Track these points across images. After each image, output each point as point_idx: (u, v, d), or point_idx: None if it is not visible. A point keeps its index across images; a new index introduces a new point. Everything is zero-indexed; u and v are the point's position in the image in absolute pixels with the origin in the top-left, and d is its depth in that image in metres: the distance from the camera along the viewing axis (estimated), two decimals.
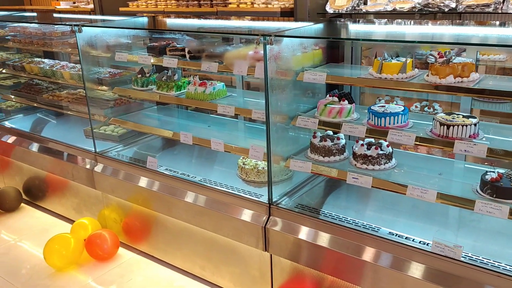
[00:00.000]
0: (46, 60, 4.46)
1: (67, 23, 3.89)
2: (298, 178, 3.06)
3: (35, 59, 4.52)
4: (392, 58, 2.55)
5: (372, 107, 2.60)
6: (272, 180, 2.81)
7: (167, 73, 3.53)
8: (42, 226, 4.23)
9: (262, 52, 2.77)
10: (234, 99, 3.29)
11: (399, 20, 3.50)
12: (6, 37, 4.57)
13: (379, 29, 3.14)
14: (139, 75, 3.62)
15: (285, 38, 2.62)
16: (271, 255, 2.85)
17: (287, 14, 4.44)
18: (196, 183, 3.16)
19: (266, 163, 3.12)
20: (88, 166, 3.76)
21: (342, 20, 3.72)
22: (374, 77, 2.51)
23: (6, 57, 4.91)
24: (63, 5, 6.82)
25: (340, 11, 3.90)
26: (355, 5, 3.81)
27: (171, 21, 4.00)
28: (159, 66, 3.71)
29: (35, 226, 4.25)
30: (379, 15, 3.69)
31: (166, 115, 4.05)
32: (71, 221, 4.20)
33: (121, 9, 6.04)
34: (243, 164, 3.24)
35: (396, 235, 2.43)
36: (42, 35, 4.25)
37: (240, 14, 5.03)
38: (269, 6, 4.75)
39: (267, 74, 2.58)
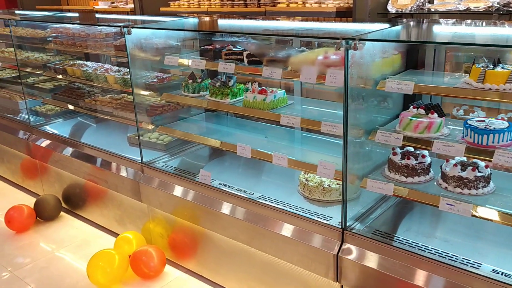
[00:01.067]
0: (88, 63, 4.26)
1: (116, 24, 3.65)
2: (367, 198, 2.73)
3: (77, 62, 4.33)
4: (494, 66, 2.19)
5: (469, 122, 2.24)
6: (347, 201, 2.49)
7: (221, 78, 3.25)
8: (83, 237, 4.02)
9: (334, 57, 2.46)
10: (297, 109, 2.98)
11: (469, 21, 3.13)
12: (48, 39, 4.39)
13: (463, 31, 2.78)
14: (190, 80, 3.36)
15: (367, 42, 2.29)
16: (342, 286, 2.53)
17: (343, 14, 4.11)
18: (253, 200, 2.87)
19: (333, 181, 2.81)
20: (133, 177, 3.52)
21: (405, 20, 3.36)
22: (475, 87, 2.15)
23: (46, 59, 4.74)
24: (101, 5, 6.65)
25: (403, 10, 3.54)
26: (421, 4, 3.46)
27: (223, 22, 3.72)
28: (211, 71, 3.45)
29: (76, 237, 4.04)
30: (449, 15, 3.33)
31: (215, 123, 3.77)
32: (113, 233, 3.98)
33: (162, 9, 5.82)
34: (306, 180, 2.92)
35: (502, 274, 2.07)
36: (85, 37, 4.04)
37: (290, 15, 4.71)
38: (322, 5, 4.42)
39: (347, 83, 2.26)
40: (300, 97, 3.46)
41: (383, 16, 3.56)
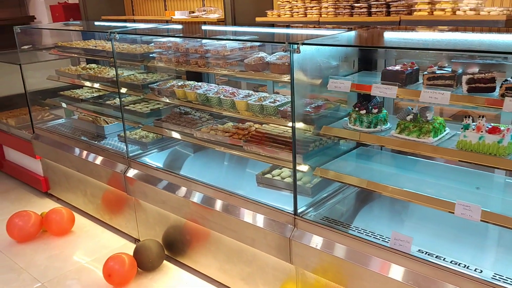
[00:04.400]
0: (205, 85, 3.56)
1: (278, 41, 2.90)
2: None
3: (187, 83, 3.63)
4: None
5: None
6: None
7: (412, 109, 2.49)
8: None
9: None
10: None
11: None
12: (150, 55, 3.71)
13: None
14: (362, 111, 2.60)
15: None
16: None
17: None
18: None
19: None
20: (281, 232, 2.78)
21: None
22: None
23: (142, 78, 4.08)
24: (178, 15, 6.02)
25: None
26: None
27: (391, 36, 2.95)
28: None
29: None
30: None
31: (377, 161, 3.01)
32: None
33: (257, 19, 5.13)
34: None
35: None
36: (203, 53, 3.34)
37: (433, 24, 3.94)
38: (481, 13, 3.64)
39: None
40: None
41: None
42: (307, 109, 2.78)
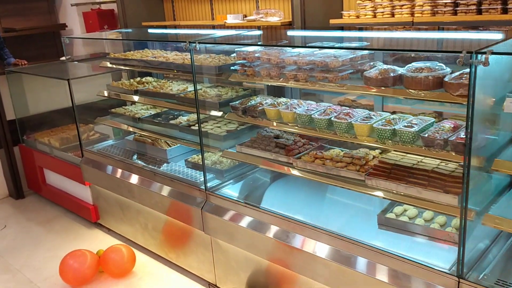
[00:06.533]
0: (302, 103, 2.93)
1: (453, 51, 2.20)
2: None
3: (279, 100, 3.00)
4: None
5: None
6: None
7: None
8: None
9: None
10: None
11: None
12: (232, 67, 3.10)
13: None
14: None
15: None
16: None
17: None
18: None
19: None
20: None
21: None
22: None
23: (215, 94, 3.47)
24: (231, 20, 5.40)
25: None
26: None
27: None
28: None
29: None
30: None
31: None
32: None
33: (332, 21, 4.48)
34: None
35: None
36: (303, 65, 2.72)
37: None
38: None
39: None
40: None
41: None
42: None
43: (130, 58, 3.89)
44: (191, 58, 2.97)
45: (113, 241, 4.20)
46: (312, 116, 2.71)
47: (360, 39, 3.21)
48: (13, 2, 7.30)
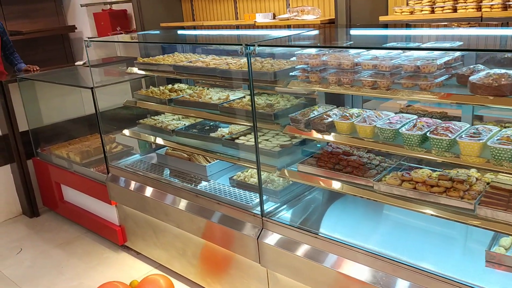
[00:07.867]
0: (380, 114, 2.49)
1: None
2: None
3: (350, 111, 2.56)
4: None
5: None
6: None
7: None
8: None
9: None
10: None
11: None
12: (291, 73, 2.65)
13: None
14: None
15: None
16: None
17: None
18: None
19: None
20: None
21: None
22: None
23: (266, 104, 3.03)
24: (260, 19, 4.96)
25: None
26: None
27: None
28: None
29: None
30: None
31: None
32: None
33: (381, 18, 4.05)
34: None
35: None
36: (388, 70, 2.28)
37: None
38: None
39: None
40: None
41: None
42: None
43: (160, 63, 3.44)
44: (248, 63, 2.53)
45: (143, 267, 3.77)
46: (400, 131, 2.27)
47: (437, 37, 2.77)
48: (18, 3, 6.84)
